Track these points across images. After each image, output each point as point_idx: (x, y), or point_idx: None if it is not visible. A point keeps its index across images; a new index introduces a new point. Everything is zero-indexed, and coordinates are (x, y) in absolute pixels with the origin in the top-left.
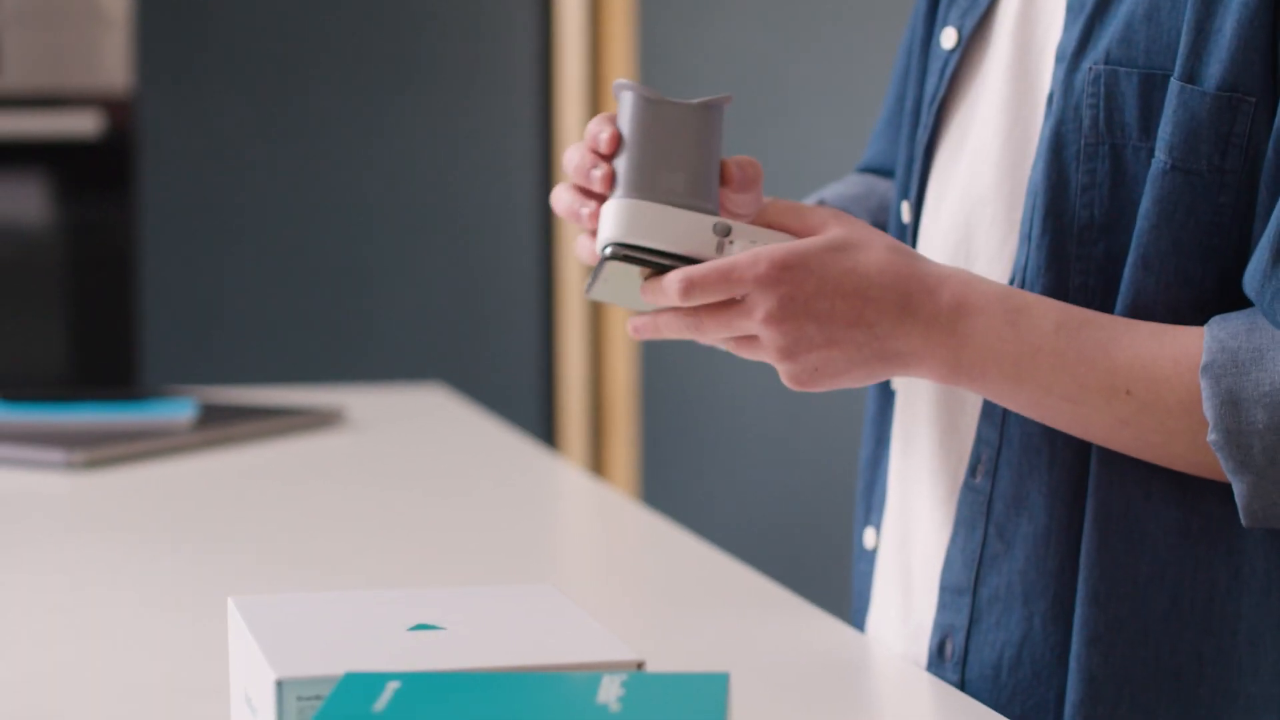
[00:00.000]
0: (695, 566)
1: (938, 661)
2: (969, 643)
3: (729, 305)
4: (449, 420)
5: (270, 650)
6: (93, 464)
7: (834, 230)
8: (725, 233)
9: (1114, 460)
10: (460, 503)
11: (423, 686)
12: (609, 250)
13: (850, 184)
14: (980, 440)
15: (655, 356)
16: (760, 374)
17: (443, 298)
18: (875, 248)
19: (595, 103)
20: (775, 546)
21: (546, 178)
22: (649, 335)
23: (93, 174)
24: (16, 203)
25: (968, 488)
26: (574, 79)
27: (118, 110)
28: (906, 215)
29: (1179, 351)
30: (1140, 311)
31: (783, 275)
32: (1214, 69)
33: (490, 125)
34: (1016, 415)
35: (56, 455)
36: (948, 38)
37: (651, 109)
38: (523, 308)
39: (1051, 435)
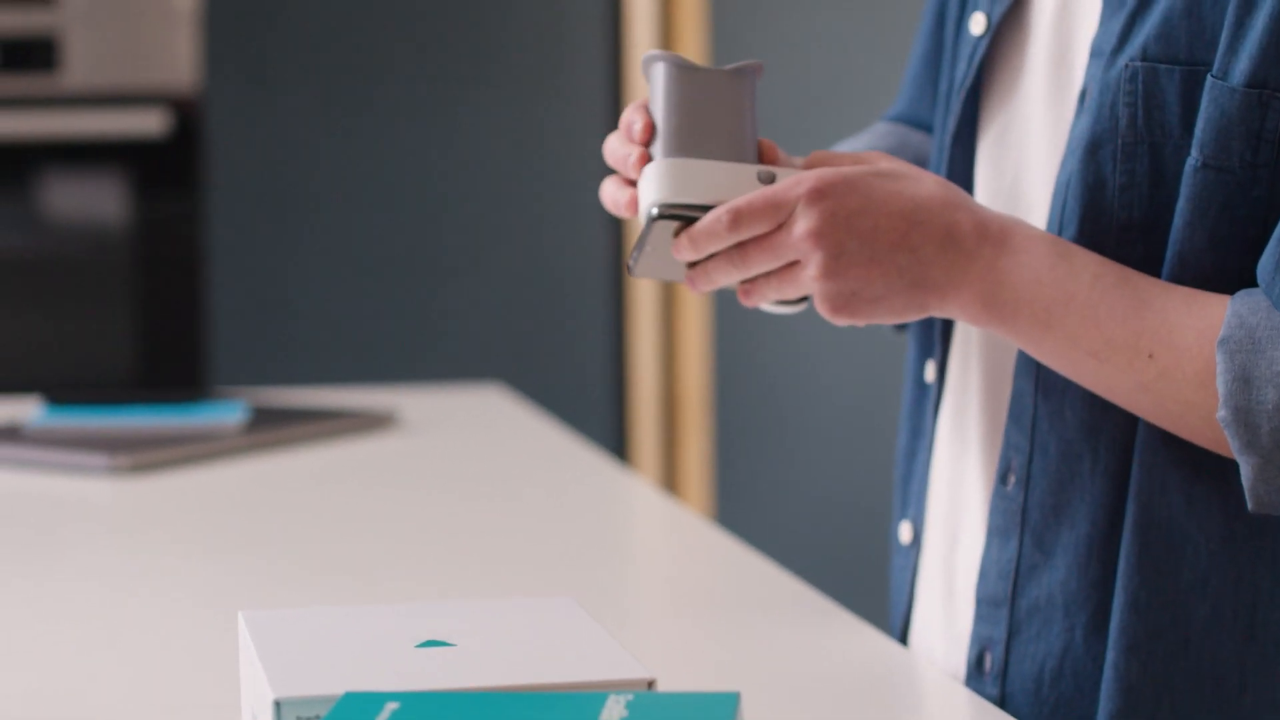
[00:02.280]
0: (738, 576)
1: (977, 674)
2: (1008, 655)
3: (774, 234)
4: (505, 423)
5: (272, 668)
6: (137, 468)
7: (883, 163)
8: (770, 179)
9: (1156, 466)
10: (507, 510)
11: (422, 706)
12: (655, 211)
13: (880, 134)
14: (1009, 445)
15: (730, 355)
16: (838, 375)
17: (513, 296)
18: (925, 180)
19: None
20: (843, 550)
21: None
22: (703, 285)
23: (160, 173)
24: (83, 202)
25: (999, 495)
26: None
27: (185, 108)
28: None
29: (1204, 323)
30: None
31: (828, 190)
32: (1244, 64)
33: (560, 122)
34: (1048, 419)
35: (100, 460)
36: (976, 23)
37: (683, 75)
38: (593, 308)
39: (1094, 442)
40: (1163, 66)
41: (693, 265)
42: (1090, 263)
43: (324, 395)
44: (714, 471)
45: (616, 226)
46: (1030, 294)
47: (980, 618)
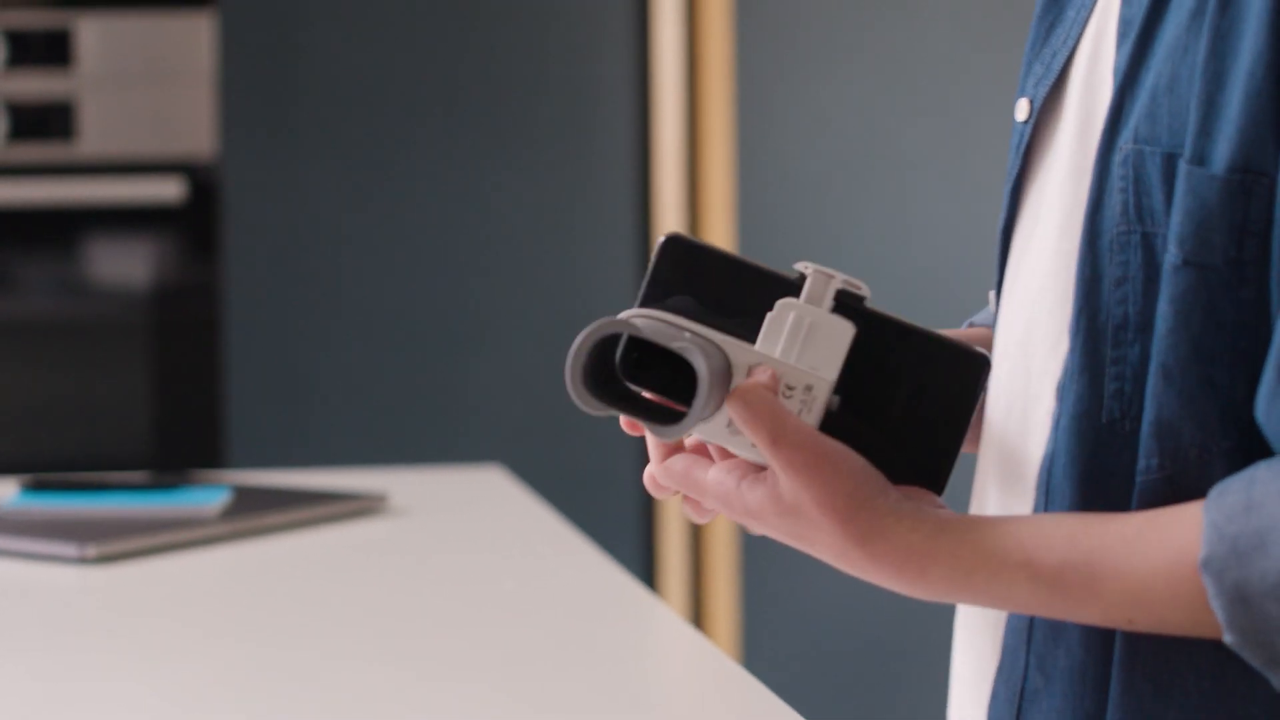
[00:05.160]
0: (717, 691)
1: None
2: None
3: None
4: (499, 509)
5: None
6: (106, 558)
7: (789, 498)
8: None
9: None
10: (481, 606)
11: None
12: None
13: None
14: None
15: None
16: None
17: (539, 373)
18: (823, 527)
19: (692, 170)
20: (870, 631)
21: (643, 245)
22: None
23: (177, 241)
24: (98, 272)
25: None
26: (671, 145)
27: (202, 175)
28: (992, 305)
29: (1172, 558)
30: (1165, 429)
31: (745, 518)
32: (1221, 147)
33: (587, 192)
34: None
35: (69, 549)
36: (1021, 109)
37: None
38: None
39: None
40: (1148, 149)
41: None
42: (1019, 572)
43: (317, 477)
44: (741, 537)
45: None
46: (972, 597)
47: None
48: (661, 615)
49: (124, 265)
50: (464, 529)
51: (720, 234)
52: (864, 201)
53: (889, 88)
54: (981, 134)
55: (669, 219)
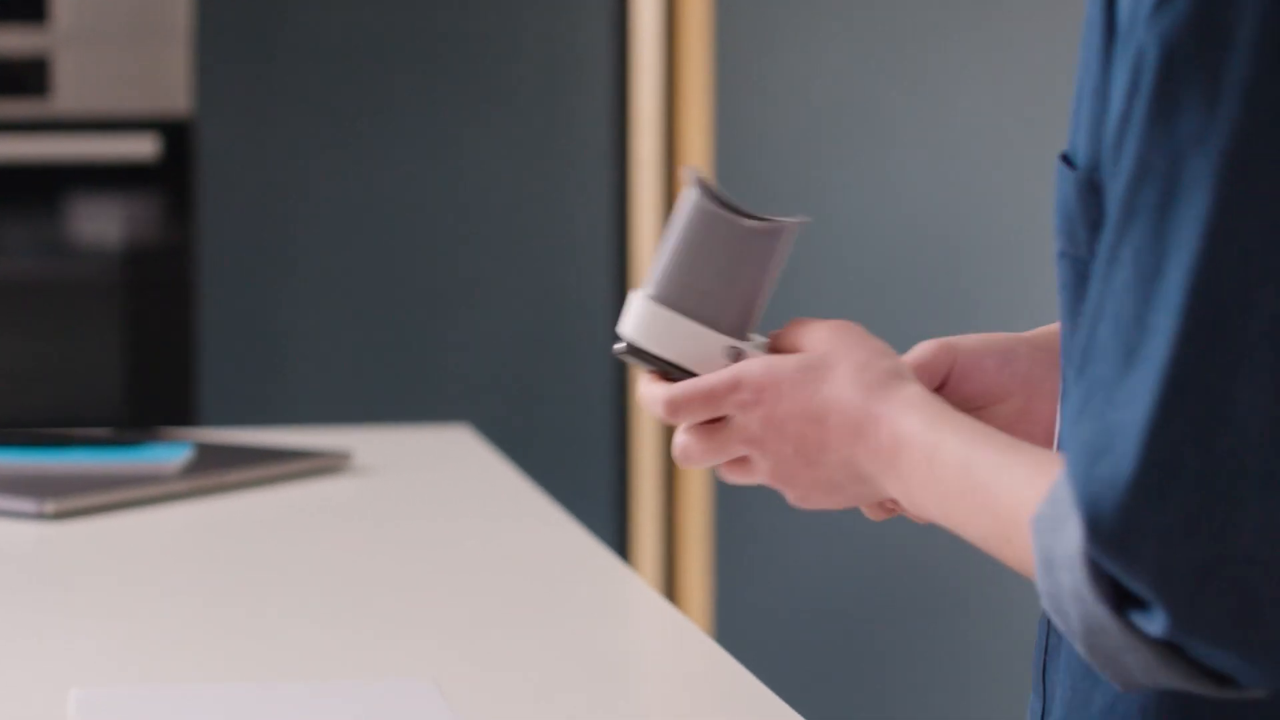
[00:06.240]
0: (682, 673)
1: None
2: None
3: (716, 427)
4: (465, 469)
5: None
6: (65, 514)
7: (817, 349)
8: (736, 357)
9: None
10: (440, 567)
11: None
12: (622, 346)
13: None
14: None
15: None
16: None
17: (513, 332)
18: (840, 371)
19: (670, 134)
20: (843, 585)
21: (620, 208)
22: (681, 462)
23: (152, 199)
24: (72, 229)
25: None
26: (649, 109)
27: (178, 133)
28: None
29: (1018, 505)
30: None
31: (760, 397)
32: (1081, 147)
33: (563, 154)
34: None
35: (28, 504)
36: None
37: (706, 218)
38: (595, 345)
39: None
40: (1063, 165)
41: None
42: (958, 449)
43: (285, 435)
44: (715, 503)
45: (620, 261)
46: (924, 493)
47: None
48: (625, 579)
49: (98, 223)
50: (426, 489)
51: None
52: (842, 165)
53: (869, 52)
54: (960, 99)
55: (646, 182)
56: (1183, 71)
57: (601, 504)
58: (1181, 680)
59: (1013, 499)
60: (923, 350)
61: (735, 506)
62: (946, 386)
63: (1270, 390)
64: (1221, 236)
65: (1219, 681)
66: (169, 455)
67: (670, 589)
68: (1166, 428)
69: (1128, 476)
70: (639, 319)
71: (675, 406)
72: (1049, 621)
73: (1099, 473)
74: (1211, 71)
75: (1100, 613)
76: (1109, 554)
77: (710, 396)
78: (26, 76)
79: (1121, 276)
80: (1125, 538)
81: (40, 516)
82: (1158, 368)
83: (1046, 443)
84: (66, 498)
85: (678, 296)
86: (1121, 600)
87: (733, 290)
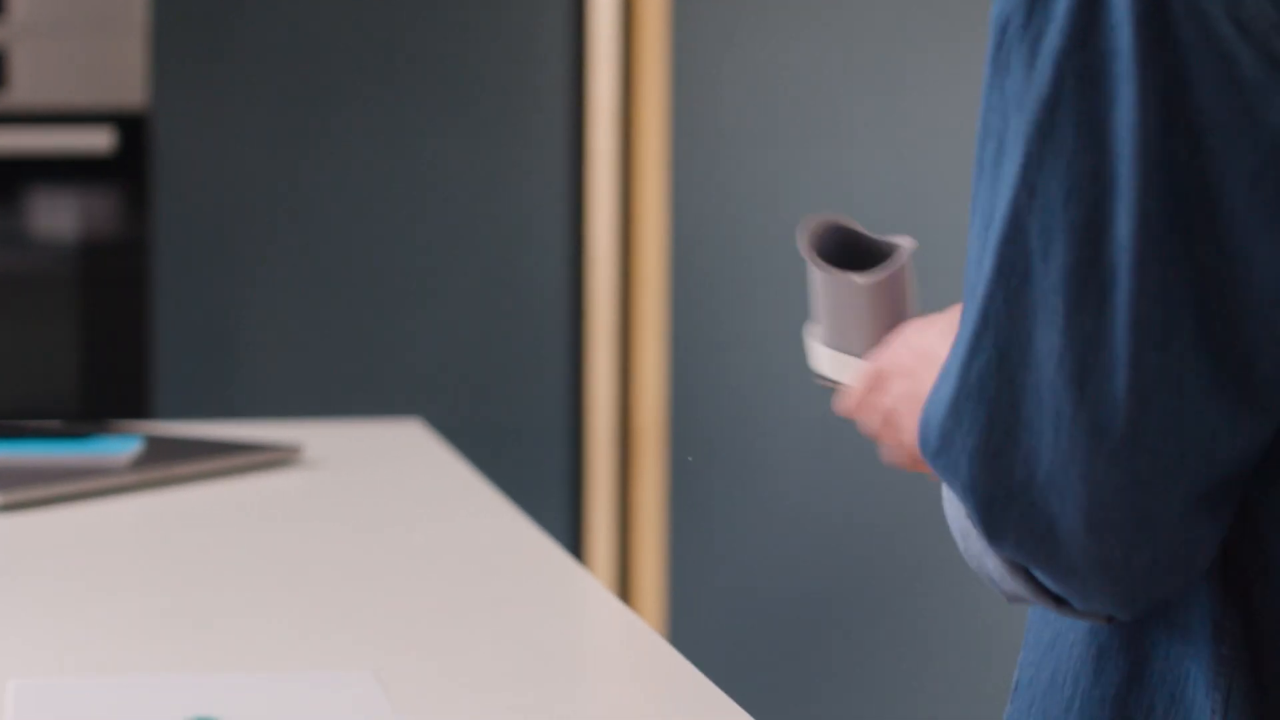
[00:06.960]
0: (627, 668)
1: None
2: None
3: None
4: (415, 463)
5: None
6: (13, 506)
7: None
8: None
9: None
10: (387, 561)
11: None
12: (817, 374)
13: None
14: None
15: (687, 382)
16: (798, 413)
17: (469, 326)
18: (911, 329)
19: (627, 129)
20: (799, 579)
21: (576, 202)
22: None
23: (107, 192)
24: (27, 223)
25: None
26: (606, 104)
27: (133, 126)
28: None
29: None
30: None
31: (877, 384)
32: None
33: (518, 148)
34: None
35: None
36: None
37: (829, 282)
38: (551, 338)
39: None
40: None
41: None
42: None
43: (236, 428)
44: (669, 499)
45: (576, 256)
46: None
47: None
48: (573, 574)
49: (53, 215)
50: (376, 482)
51: (654, 195)
52: (800, 162)
53: (826, 47)
54: (920, 97)
55: (603, 177)
56: (1013, 39)
57: (556, 499)
58: (1029, 595)
59: None
60: None
61: (690, 502)
62: None
63: (1061, 335)
64: (1026, 191)
65: (1057, 600)
66: (119, 448)
67: (624, 583)
68: (974, 359)
69: (945, 401)
70: (813, 357)
71: (848, 411)
72: None
73: (935, 394)
74: (1034, 39)
75: (965, 515)
76: (936, 469)
77: (859, 400)
78: None
79: (975, 226)
80: (941, 455)
81: None
82: (976, 305)
83: None
84: (14, 490)
85: (830, 339)
86: None
87: (875, 324)
